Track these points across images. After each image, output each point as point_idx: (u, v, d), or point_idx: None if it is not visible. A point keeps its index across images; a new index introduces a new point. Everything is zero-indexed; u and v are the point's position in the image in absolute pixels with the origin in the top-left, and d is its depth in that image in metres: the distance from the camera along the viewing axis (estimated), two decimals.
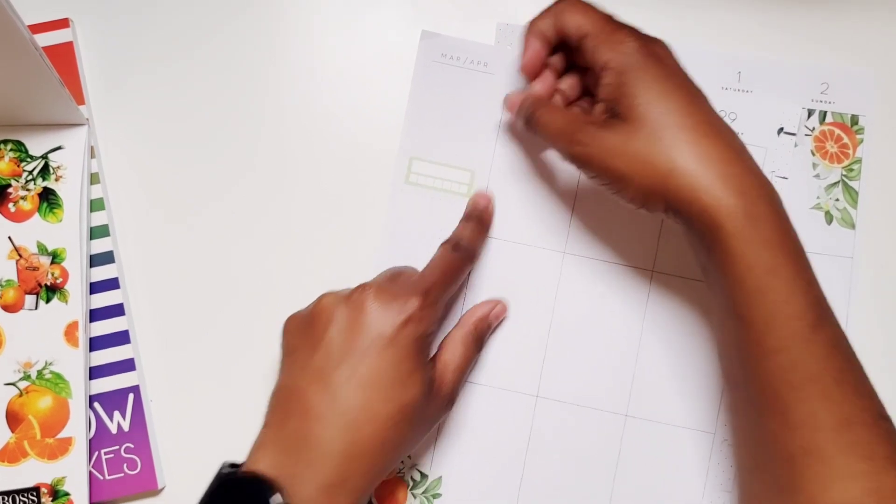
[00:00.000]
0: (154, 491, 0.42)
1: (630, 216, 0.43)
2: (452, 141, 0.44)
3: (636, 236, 0.44)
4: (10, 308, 0.41)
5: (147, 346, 0.43)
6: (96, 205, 0.43)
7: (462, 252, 0.40)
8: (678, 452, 0.42)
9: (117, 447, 0.41)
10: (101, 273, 0.43)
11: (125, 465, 0.41)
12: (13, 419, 0.41)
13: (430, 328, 0.37)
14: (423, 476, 0.42)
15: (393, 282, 0.38)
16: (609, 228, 0.44)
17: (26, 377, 0.41)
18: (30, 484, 0.40)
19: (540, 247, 0.44)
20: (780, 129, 0.44)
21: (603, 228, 0.44)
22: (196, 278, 0.44)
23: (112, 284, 0.43)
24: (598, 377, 0.43)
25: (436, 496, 0.42)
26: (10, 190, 0.42)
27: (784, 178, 0.44)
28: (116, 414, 0.42)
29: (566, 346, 0.43)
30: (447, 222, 0.43)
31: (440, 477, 0.42)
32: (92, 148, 0.44)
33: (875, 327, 0.44)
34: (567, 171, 0.44)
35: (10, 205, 0.42)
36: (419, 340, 0.37)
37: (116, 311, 0.43)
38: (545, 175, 0.44)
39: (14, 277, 0.42)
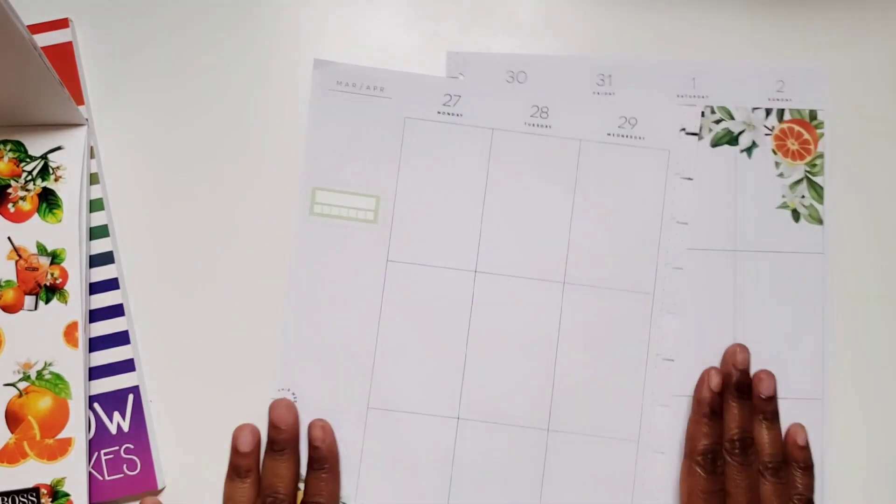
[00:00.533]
0: (154, 491, 0.42)
1: (537, 229, 0.44)
2: (355, 168, 0.44)
3: (545, 249, 0.44)
4: (10, 309, 0.41)
5: (147, 347, 0.43)
6: (96, 205, 0.43)
7: None
8: (603, 463, 0.43)
9: (117, 448, 0.41)
10: (101, 273, 0.43)
11: (125, 465, 0.41)
12: (13, 420, 0.41)
13: None
14: None
15: None
16: (518, 243, 0.44)
17: (26, 378, 0.41)
18: (29, 485, 0.40)
19: (450, 267, 0.44)
20: (682, 129, 0.44)
21: (512, 243, 0.44)
22: (196, 278, 0.44)
23: (112, 285, 0.43)
24: (517, 394, 0.43)
25: None
26: (9, 190, 0.42)
27: (689, 178, 0.44)
28: (116, 414, 0.42)
29: (484, 365, 0.43)
30: (355, 251, 0.43)
31: None
32: (91, 148, 0.44)
33: (850, 319, 0.44)
34: (473, 189, 0.44)
35: (10, 205, 0.42)
36: None
37: (116, 311, 0.42)
38: (451, 195, 0.44)
39: (13, 278, 0.42)
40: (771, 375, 0.42)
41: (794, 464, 0.42)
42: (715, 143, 0.45)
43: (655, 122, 0.44)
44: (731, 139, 0.45)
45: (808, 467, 0.42)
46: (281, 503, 0.40)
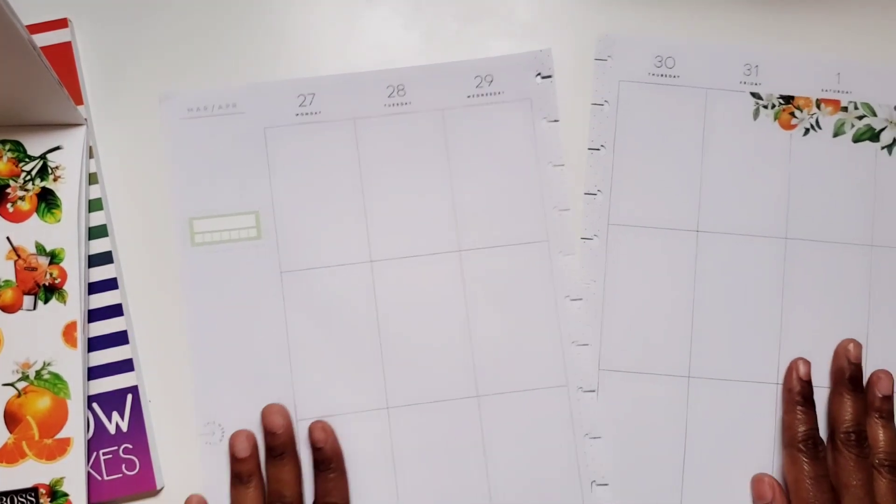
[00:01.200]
0: (153, 491, 0.42)
1: (421, 205, 0.44)
2: (227, 189, 0.44)
3: (434, 222, 0.44)
4: (9, 308, 0.41)
5: (146, 347, 0.43)
6: (95, 205, 0.43)
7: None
8: (539, 413, 0.43)
9: (116, 448, 0.41)
10: (100, 273, 0.43)
11: (124, 465, 0.41)
12: (11, 420, 0.41)
13: None
14: None
15: None
16: (406, 224, 0.44)
17: (24, 378, 0.41)
18: (28, 484, 0.40)
19: (345, 263, 0.44)
20: (538, 74, 0.45)
21: (400, 226, 0.44)
22: None
23: (111, 285, 0.43)
24: (440, 369, 0.43)
25: None
26: (8, 190, 0.42)
27: (555, 120, 0.44)
28: (115, 414, 0.42)
29: (400, 351, 0.43)
30: (246, 271, 0.43)
31: None
32: (90, 148, 0.44)
33: None
34: (349, 182, 0.44)
35: (9, 205, 0.42)
36: None
37: (115, 311, 0.42)
38: (329, 193, 0.44)
39: (12, 278, 0.42)
40: (889, 375, 0.43)
41: None
42: (856, 139, 0.45)
43: (511, 75, 0.45)
44: (873, 136, 0.45)
45: None
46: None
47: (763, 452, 0.43)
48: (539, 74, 0.45)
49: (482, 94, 0.44)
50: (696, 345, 0.44)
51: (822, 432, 0.43)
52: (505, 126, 0.44)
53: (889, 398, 0.43)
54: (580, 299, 0.44)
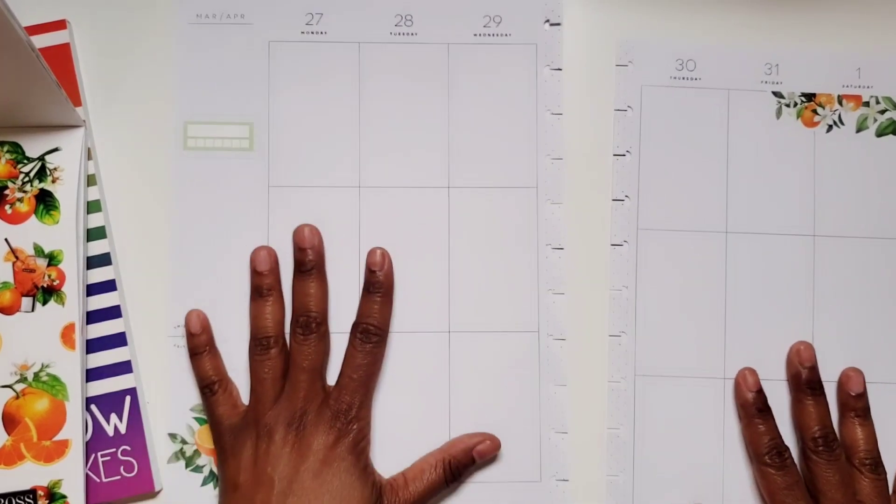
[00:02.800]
0: (151, 493, 0.42)
1: (416, 137, 0.44)
2: (225, 98, 0.44)
3: (426, 156, 0.44)
4: (7, 310, 0.41)
5: (144, 348, 0.43)
6: (93, 206, 0.43)
7: (375, 338, 0.41)
8: (507, 355, 0.43)
9: (114, 449, 0.41)
10: (98, 275, 0.43)
11: (122, 467, 0.41)
12: (9, 422, 0.40)
13: (359, 435, 0.40)
14: None
15: (310, 407, 0.39)
16: (399, 154, 0.44)
17: (23, 379, 0.41)
18: (26, 487, 0.40)
19: (334, 185, 0.44)
20: (546, 21, 0.45)
21: (393, 155, 0.44)
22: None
23: (109, 286, 0.43)
24: (415, 300, 0.43)
25: None
26: (6, 192, 0.42)
27: (558, 69, 0.44)
28: (113, 416, 0.42)
29: None
30: (232, 182, 0.43)
31: None
32: (89, 150, 0.44)
33: None
34: (347, 105, 0.44)
35: (7, 207, 0.42)
36: (351, 453, 0.39)
37: (113, 312, 0.42)
38: (325, 114, 0.44)
39: (10, 279, 0.42)
40: (859, 372, 0.43)
41: None
42: (880, 133, 0.45)
43: (520, 17, 0.45)
44: None
45: None
46: (314, 321, 0.41)
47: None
48: (548, 21, 0.45)
49: (489, 34, 0.45)
50: (730, 345, 0.44)
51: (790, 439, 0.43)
52: (508, 68, 0.44)
53: (862, 395, 0.42)
54: (562, 248, 0.44)
